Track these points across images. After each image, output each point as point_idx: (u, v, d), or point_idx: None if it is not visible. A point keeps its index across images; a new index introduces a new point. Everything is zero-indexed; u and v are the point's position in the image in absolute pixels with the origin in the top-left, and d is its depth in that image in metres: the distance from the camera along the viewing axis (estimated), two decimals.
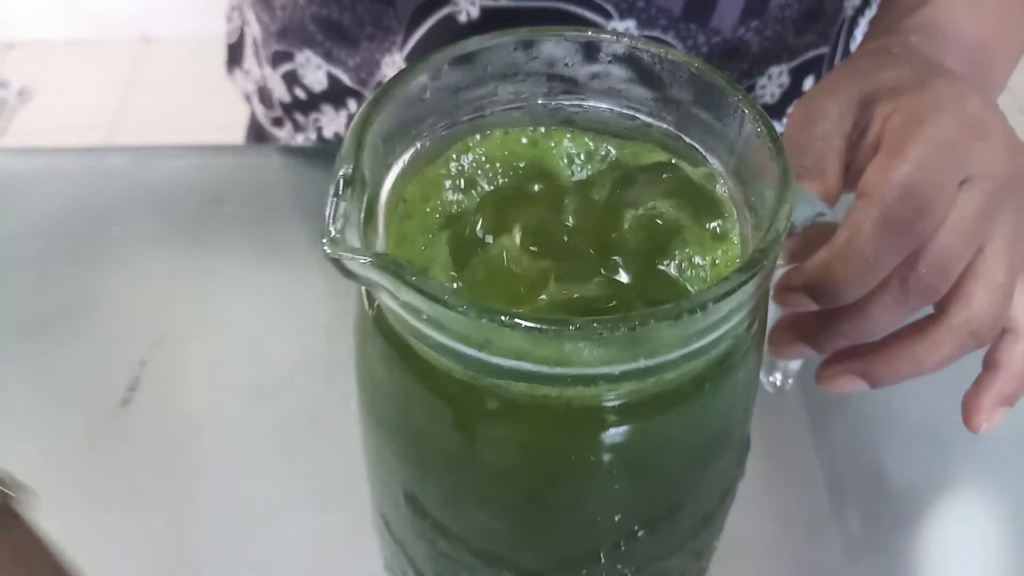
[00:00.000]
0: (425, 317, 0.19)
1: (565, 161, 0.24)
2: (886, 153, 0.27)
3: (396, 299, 0.19)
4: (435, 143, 0.24)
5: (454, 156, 0.24)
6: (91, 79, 1.72)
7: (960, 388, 0.34)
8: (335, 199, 0.20)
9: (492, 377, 0.19)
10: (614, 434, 0.20)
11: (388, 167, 0.23)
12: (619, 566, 0.24)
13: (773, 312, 0.31)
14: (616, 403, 0.20)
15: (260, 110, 0.60)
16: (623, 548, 0.23)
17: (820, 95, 0.30)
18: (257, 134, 0.63)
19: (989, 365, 0.31)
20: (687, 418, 0.21)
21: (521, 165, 0.24)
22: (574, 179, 0.24)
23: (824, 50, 0.51)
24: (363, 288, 0.22)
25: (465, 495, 0.23)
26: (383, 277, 0.19)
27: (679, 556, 0.26)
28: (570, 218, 0.22)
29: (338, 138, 0.54)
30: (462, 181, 0.24)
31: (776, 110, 0.51)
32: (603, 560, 0.23)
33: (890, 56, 0.32)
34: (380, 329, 0.22)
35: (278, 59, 0.52)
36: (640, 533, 0.23)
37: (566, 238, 0.21)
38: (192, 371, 0.44)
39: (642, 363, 0.18)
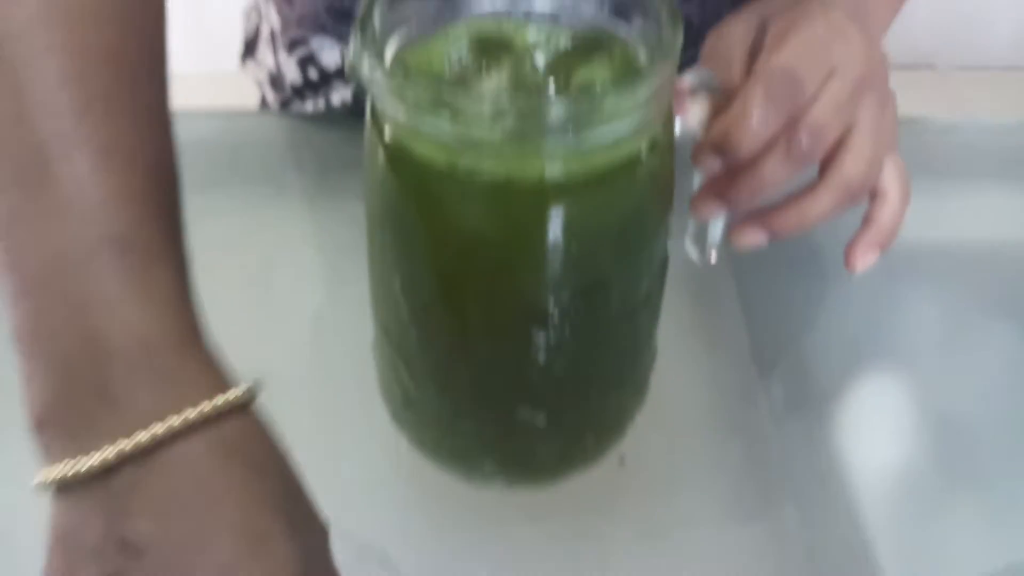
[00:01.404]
0: (413, 102, 0.27)
1: (528, 39, 0.32)
2: (768, 49, 0.36)
3: (396, 99, 0.27)
4: (425, 30, 0.32)
5: (441, 37, 0.32)
6: None
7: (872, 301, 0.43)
8: (355, 36, 0.28)
9: (466, 150, 0.27)
10: (555, 205, 0.29)
11: (389, 40, 0.31)
12: (564, 328, 0.31)
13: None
14: (556, 179, 0.28)
15: (271, 95, 0.68)
16: (566, 312, 0.31)
17: (730, 21, 0.40)
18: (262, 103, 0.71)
19: (865, 221, 0.39)
20: (611, 198, 0.30)
21: (493, 40, 0.32)
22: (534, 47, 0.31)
23: None
24: (369, 121, 0.31)
25: (445, 265, 0.31)
26: (389, 80, 0.27)
27: (613, 343, 0.33)
28: (529, 62, 0.30)
29: (344, 106, 0.62)
30: (446, 53, 0.32)
31: None
32: (551, 321, 0.31)
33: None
34: (381, 140, 0.30)
35: (295, 45, 0.60)
36: (578, 300, 0.31)
37: (525, 73, 0.30)
38: (209, 282, 0.50)
39: (571, 136, 0.26)
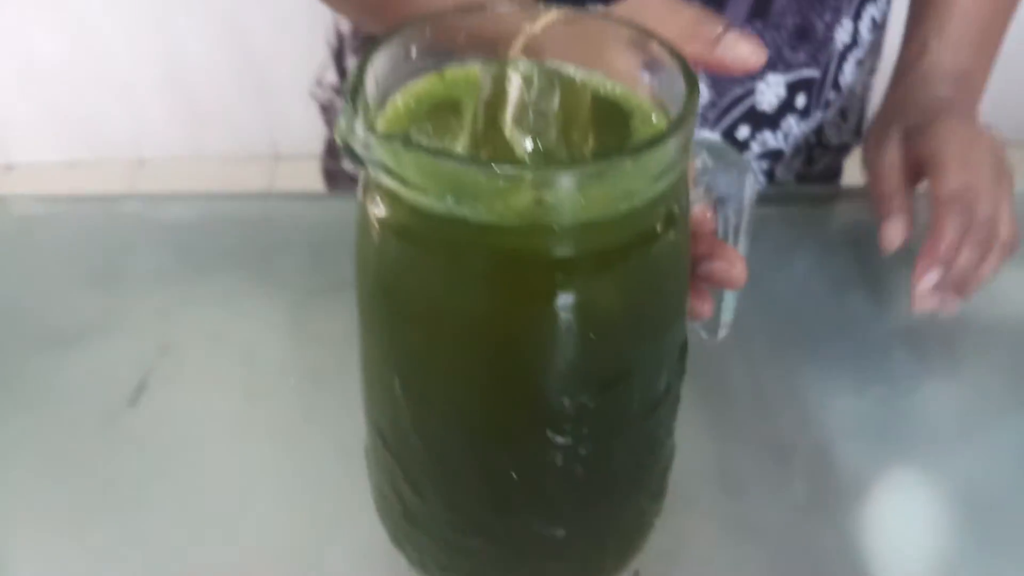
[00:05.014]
0: (411, 183, 0.24)
1: (523, 83, 0.29)
2: (935, 175, 0.50)
3: (392, 172, 0.24)
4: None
5: (433, 78, 0.30)
6: None
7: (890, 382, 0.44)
8: (348, 105, 0.25)
9: (471, 228, 0.24)
10: (566, 284, 0.26)
11: (384, 97, 0.28)
12: (583, 427, 0.28)
13: None
14: (567, 256, 0.25)
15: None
16: (584, 409, 0.28)
17: (876, 152, 0.54)
18: (330, 147, 0.74)
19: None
20: (626, 277, 0.27)
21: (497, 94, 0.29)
22: (531, 93, 0.28)
23: (816, 73, 0.60)
24: (360, 194, 0.28)
25: (451, 359, 0.28)
26: (384, 148, 0.24)
27: (634, 441, 0.30)
28: (537, 120, 0.27)
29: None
30: (438, 93, 0.29)
31: (772, 119, 0.61)
32: (568, 420, 0.28)
33: (906, 106, 0.56)
34: (376, 218, 0.27)
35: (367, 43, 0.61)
36: (596, 395, 0.28)
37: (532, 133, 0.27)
38: (194, 375, 0.48)
39: (583, 210, 0.24)
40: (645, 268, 0.27)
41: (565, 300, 0.26)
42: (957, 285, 0.49)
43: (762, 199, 0.63)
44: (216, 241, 0.57)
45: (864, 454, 0.44)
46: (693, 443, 0.42)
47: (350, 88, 0.25)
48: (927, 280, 0.48)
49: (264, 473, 0.43)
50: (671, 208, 0.27)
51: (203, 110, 1.89)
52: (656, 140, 0.24)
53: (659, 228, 0.27)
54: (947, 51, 0.58)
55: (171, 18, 1.79)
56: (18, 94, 1.87)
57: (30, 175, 1.88)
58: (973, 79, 0.59)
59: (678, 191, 0.28)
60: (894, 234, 0.49)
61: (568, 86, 0.29)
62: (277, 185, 1.84)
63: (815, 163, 0.67)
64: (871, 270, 0.51)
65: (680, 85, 0.27)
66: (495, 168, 0.23)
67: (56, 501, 0.42)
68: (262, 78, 1.88)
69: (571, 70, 0.30)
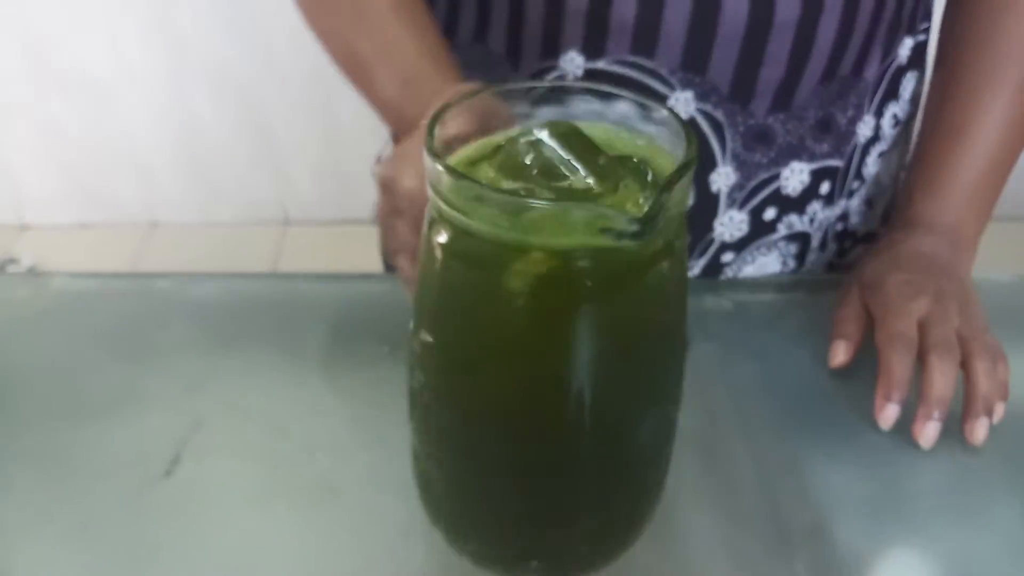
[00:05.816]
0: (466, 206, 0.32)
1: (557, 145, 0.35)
2: (879, 323, 0.54)
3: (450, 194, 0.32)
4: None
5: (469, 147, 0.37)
6: (100, 260, 1.83)
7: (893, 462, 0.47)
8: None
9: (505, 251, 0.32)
10: (586, 297, 0.33)
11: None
12: (584, 419, 0.35)
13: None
14: (587, 267, 0.32)
15: None
16: (589, 400, 0.34)
17: (847, 290, 0.58)
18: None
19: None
20: (638, 294, 0.34)
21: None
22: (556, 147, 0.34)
23: (839, 163, 0.64)
24: (426, 227, 0.35)
25: (491, 348, 0.35)
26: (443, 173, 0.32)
27: (632, 443, 0.37)
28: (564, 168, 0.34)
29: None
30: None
31: (798, 204, 0.65)
32: (575, 410, 0.35)
33: (888, 255, 0.58)
34: (441, 249, 0.34)
35: None
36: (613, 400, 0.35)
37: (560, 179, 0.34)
38: (225, 448, 0.50)
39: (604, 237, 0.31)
40: (651, 287, 0.34)
41: (588, 307, 0.33)
42: (978, 408, 0.50)
43: (768, 286, 0.66)
44: (245, 318, 0.60)
45: (864, 532, 0.46)
46: (696, 519, 0.44)
47: (428, 127, 0.34)
48: (888, 413, 0.50)
49: (293, 542, 0.45)
50: (671, 240, 0.34)
51: (215, 177, 1.94)
52: (677, 173, 0.31)
53: (661, 255, 0.34)
54: (932, 206, 0.60)
55: (186, 89, 1.85)
56: (36, 157, 1.92)
57: (44, 236, 1.91)
58: (960, 232, 0.60)
59: (679, 227, 0.34)
60: (839, 355, 0.54)
61: (582, 138, 0.36)
62: (286, 250, 1.88)
63: (847, 255, 0.70)
64: (872, 353, 0.54)
65: (680, 140, 0.34)
66: (570, 206, 0.31)
67: (92, 570, 0.44)
68: (272, 147, 1.93)
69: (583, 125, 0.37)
